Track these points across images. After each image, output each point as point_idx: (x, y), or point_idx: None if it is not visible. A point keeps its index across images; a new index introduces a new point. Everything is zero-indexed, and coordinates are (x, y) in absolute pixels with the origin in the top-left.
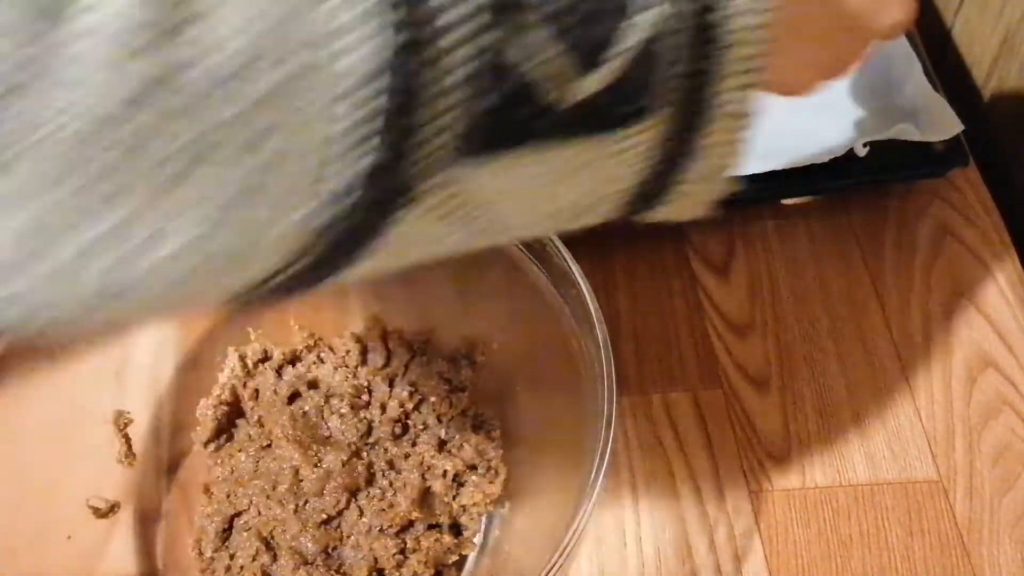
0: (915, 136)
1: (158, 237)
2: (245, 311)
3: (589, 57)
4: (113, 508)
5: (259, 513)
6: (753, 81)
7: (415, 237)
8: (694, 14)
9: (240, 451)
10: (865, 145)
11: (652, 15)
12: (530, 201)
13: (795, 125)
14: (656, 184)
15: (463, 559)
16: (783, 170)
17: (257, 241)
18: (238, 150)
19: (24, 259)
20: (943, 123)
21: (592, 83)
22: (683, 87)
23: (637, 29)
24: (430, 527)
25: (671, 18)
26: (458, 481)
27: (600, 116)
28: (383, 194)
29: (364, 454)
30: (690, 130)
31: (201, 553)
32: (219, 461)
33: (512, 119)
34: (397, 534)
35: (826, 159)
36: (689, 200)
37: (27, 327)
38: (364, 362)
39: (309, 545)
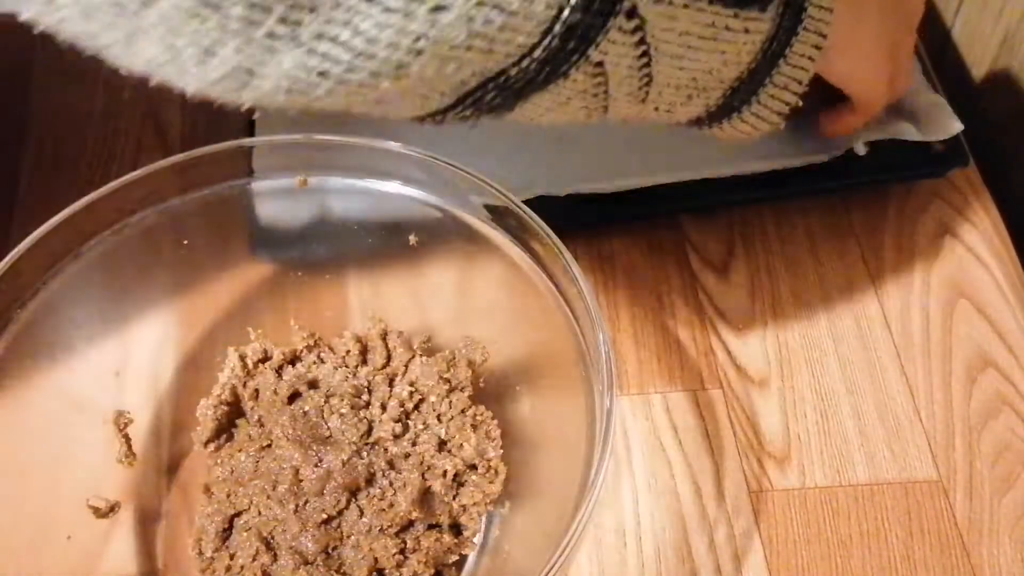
0: (915, 136)
1: (437, 10)
2: (474, 113)
3: None
4: (113, 508)
5: (259, 513)
6: (832, 6)
7: (613, 65)
8: None
9: (240, 451)
10: (865, 145)
11: None
12: (676, 58)
13: (795, 124)
14: (753, 80)
15: (463, 559)
16: (783, 170)
17: (511, 17)
18: None
19: (338, 20)
20: (943, 123)
21: None
22: None
23: None
24: (430, 527)
25: None
26: (458, 481)
27: None
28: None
29: (364, 454)
30: (787, 33)
31: (201, 553)
32: (219, 461)
33: None
34: (397, 534)
35: (826, 159)
36: (765, 110)
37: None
38: (364, 362)
39: (309, 545)
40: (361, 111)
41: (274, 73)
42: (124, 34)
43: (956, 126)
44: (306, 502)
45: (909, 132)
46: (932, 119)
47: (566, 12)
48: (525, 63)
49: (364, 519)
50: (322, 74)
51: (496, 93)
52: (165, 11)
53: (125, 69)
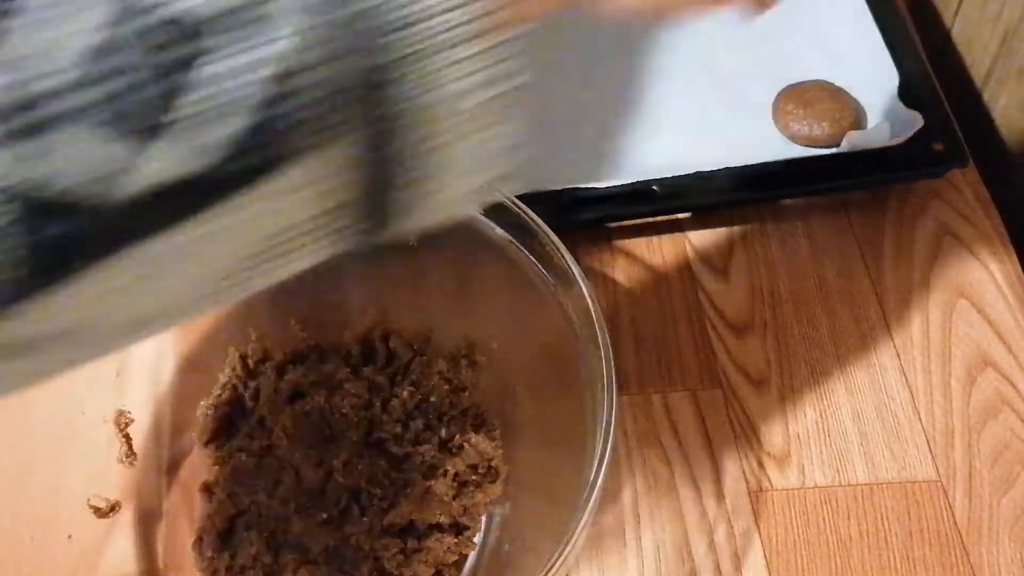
0: (886, 136)
1: None
2: None
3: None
4: (114, 508)
5: (260, 513)
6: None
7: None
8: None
9: (241, 451)
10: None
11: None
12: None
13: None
14: (379, 197)
15: (463, 559)
16: (782, 170)
17: None
18: None
19: None
20: (906, 121)
21: (156, 159)
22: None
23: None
24: (431, 527)
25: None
26: (458, 481)
27: (209, 186)
28: None
29: (365, 454)
30: (386, 144)
31: (202, 553)
32: (220, 461)
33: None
34: (398, 534)
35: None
36: (444, 202)
37: None
38: (365, 362)
39: (310, 545)
40: None
41: None
42: None
43: (917, 121)
44: (307, 502)
45: (882, 132)
46: (898, 118)
47: None
48: None
49: (365, 519)
50: None
51: None
52: None
53: None
